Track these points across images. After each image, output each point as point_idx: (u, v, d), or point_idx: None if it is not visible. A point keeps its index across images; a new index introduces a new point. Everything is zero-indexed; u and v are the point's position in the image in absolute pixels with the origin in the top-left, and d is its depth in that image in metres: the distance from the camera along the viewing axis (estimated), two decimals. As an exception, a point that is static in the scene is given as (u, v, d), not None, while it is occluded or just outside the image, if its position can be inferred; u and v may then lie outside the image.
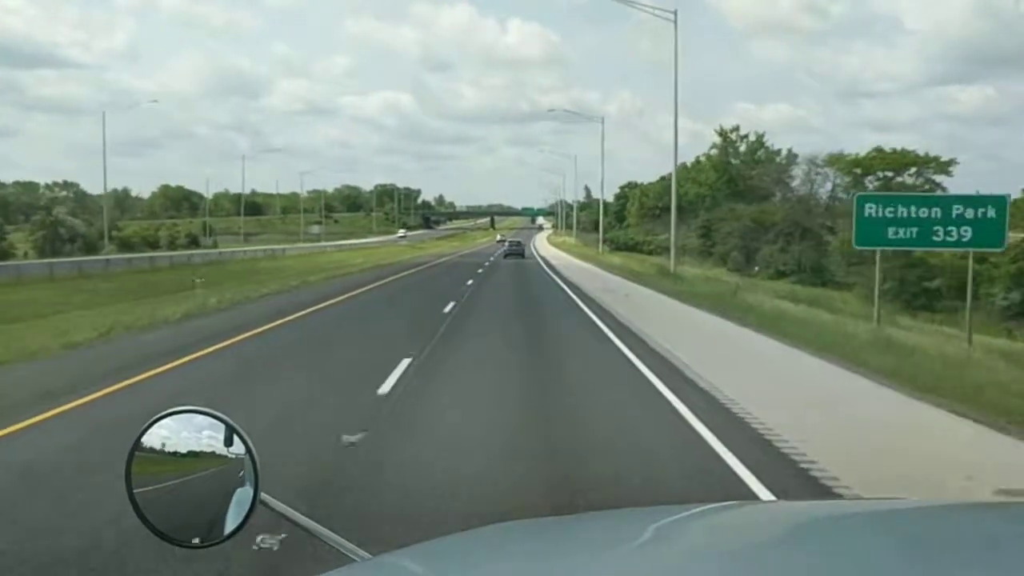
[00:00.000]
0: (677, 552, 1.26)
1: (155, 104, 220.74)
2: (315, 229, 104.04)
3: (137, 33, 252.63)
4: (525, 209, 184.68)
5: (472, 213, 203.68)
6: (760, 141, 73.87)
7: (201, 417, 1.42)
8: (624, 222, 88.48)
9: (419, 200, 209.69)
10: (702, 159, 77.75)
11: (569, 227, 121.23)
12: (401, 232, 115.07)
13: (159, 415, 1.42)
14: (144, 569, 4.22)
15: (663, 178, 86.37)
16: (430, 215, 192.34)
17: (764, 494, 5.58)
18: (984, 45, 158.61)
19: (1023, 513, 1.46)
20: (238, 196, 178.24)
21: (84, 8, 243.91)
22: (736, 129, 75.09)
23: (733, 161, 74.53)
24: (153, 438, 1.40)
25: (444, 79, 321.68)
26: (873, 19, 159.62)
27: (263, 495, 1.39)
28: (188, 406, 1.44)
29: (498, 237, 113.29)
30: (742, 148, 74.87)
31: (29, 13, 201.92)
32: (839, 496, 5.53)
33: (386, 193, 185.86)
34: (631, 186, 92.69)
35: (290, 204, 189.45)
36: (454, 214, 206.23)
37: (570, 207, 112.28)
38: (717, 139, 75.62)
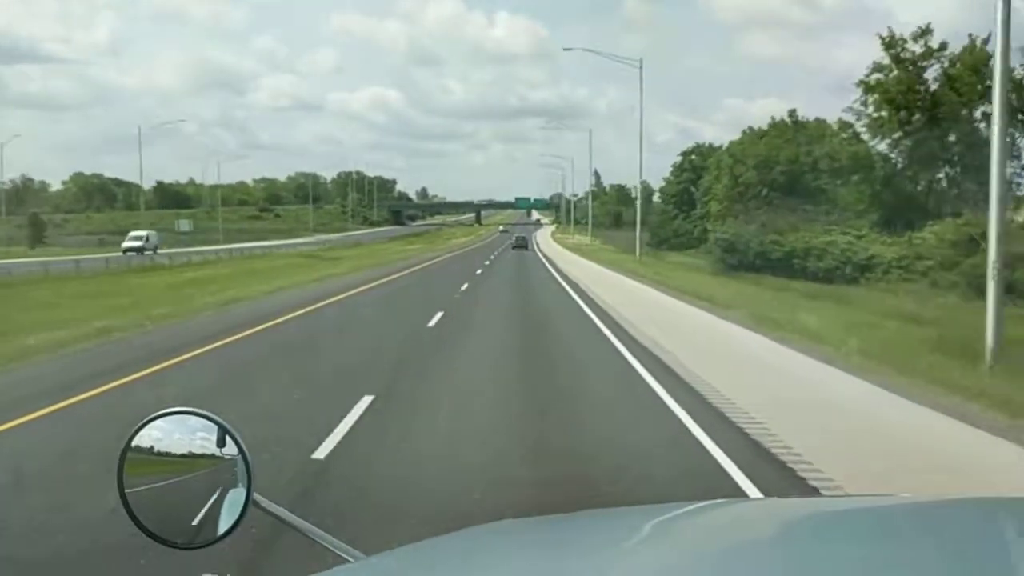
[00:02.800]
0: (673, 550, 1.25)
1: (139, 100, 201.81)
2: (184, 225, 71.02)
3: (118, 28, 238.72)
4: (519, 200, 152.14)
5: (456, 206, 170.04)
6: (976, 48, 38.56)
7: (195, 419, 1.41)
8: (693, 210, 53.44)
9: (394, 191, 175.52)
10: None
11: (576, 221, 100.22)
12: (136, 239, 51.13)
13: (152, 416, 1.40)
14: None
15: (762, 134, 51.04)
16: (401, 208, 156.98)
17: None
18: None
19: (1019, 509, 1.41)
20: (162, 187, 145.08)
21: (64, 2, 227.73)
22: (925, 32, 39.92)
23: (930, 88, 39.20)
24: (146, 439, 1.39)
25: (432, 74, 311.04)
26: (865, 12, 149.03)
27: (256, 496, 1.37)
28: (181, 407, 1.41)
29: (501, 228, 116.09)
30: (934, 67, 39.76)
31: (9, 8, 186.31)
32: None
33: (351, 182, 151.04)
34: (703, 152, 57.26)
35: (230, 195, 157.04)
36: (431, 207, 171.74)
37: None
38: (880, 54, 40.49)
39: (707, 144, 57.28)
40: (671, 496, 5.00)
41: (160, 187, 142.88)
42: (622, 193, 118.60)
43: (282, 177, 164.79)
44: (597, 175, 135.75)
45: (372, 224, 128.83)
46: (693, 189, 54.68)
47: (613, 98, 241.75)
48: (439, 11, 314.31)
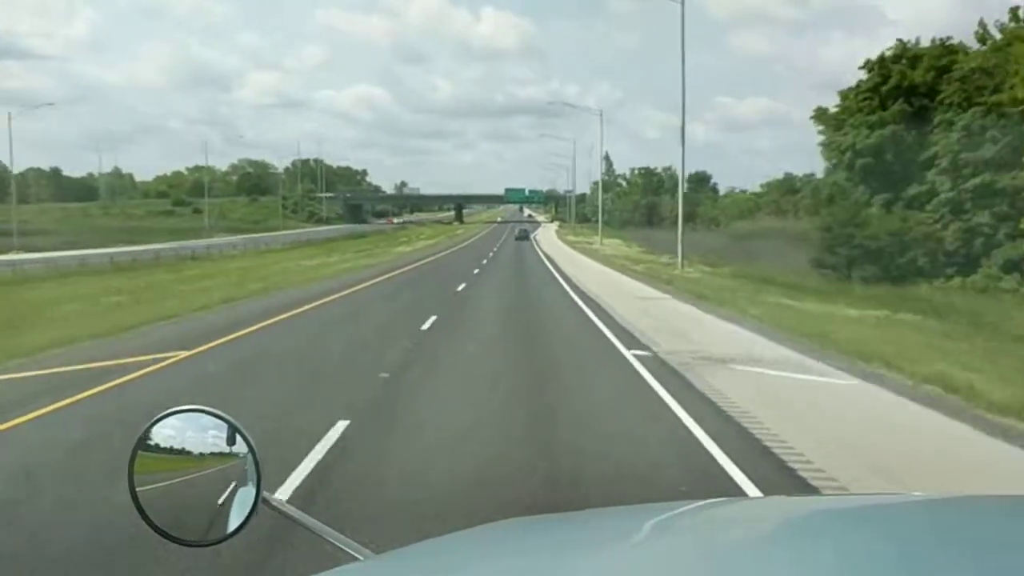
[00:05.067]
0: (676, 549, 1.26)
1: (123, 97, 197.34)
2: None
3: (100, 23, 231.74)
4: (510, 192, 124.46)
5: (435, 200, 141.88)
6: None
7: (206, 417, 1.42)
8: (909, 187, 24.05)
9: (363, 183, 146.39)
10: None
11: (586, 218, 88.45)
12: None
13: (163, 414, 1.41)
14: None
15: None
16: (362, 202, 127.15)
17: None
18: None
19: (1019, 507, 1.41)
20: (59, 176, 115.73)
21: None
22: None
23: None
24: (157, 436, 1.39)
25: (419, 72, 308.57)
26: (853, 9, 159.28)
27: (265, 494, 1.38)
28: (192, 406, 1.42)
29: (499, 219, 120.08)
30: None
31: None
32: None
33: (300, 171, 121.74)
34: (925, 58, 27.12)
35: (155, 186, 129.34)
36: (404, 199, 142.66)
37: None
38: None
39: (918, 42, 26.75)
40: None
41: (56, 176, 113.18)
42: (650, 179, 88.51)
43: (224, 166, 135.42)
44: (608, 161, 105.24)
45: (320, 221, 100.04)
46: (905, 137, 24.47)
47: (604, 94, 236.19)
48: (424, 7, 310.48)
